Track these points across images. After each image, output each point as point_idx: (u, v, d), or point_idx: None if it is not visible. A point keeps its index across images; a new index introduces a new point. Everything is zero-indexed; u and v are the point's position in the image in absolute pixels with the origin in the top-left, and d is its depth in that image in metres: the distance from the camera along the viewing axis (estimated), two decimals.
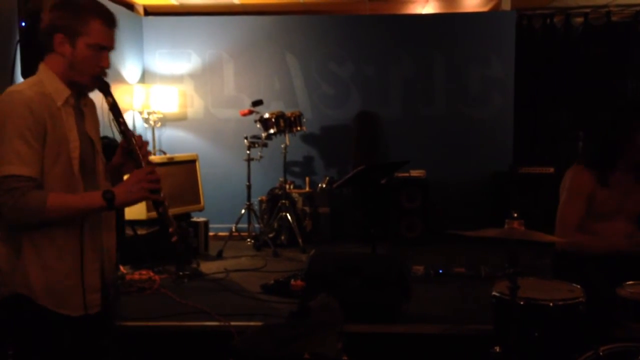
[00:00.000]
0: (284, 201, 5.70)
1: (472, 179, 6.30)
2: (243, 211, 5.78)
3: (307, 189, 6.26)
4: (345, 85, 6.52)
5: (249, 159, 5.80)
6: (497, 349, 2.34)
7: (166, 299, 3.98)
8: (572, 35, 6.54)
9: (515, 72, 6.35)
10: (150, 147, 6.02)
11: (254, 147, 5.81)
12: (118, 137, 2.10)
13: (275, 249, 5.48)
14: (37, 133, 1.86)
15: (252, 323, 3.36)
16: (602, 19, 6.51)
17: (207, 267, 4.91)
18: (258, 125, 5.71)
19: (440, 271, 4.64)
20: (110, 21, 2.00)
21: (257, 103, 5.75)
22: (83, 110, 2.06)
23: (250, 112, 5.77)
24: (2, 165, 1.82)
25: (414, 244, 5.80)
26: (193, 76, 6.52)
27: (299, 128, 5.70)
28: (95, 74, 2.00)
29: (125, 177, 2.14)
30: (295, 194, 6.04)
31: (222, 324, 3.41)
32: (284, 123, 5.62)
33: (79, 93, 2.04)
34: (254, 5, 6.78)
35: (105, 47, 2.00)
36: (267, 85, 6.53)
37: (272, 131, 5.63)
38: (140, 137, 2.10)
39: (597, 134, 2.95)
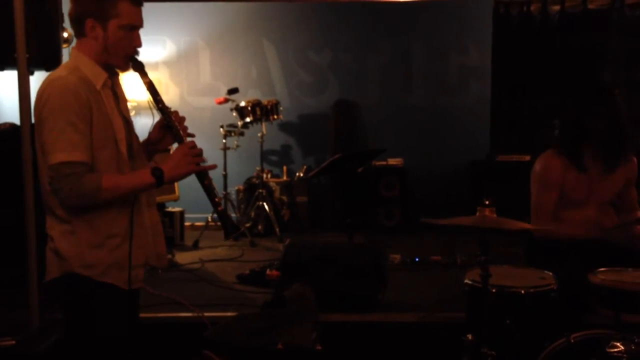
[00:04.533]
0: (261, 190, 5.66)
1: (450, 167, 6.30)
2: None
3: (285, 178, 6.22)
4: (323, 73, 6.47)
5: (225, 148, 5.74)
6: (470, 336, 2.33)
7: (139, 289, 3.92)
8: (548, 23, 6.54)
9: (492, 60, 6.35)
10: None
11: (230, 135, 5.75)
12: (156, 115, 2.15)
13: (252, 239, 5.44)
14: (84, 118, 1.91)
15: (226, 313, 3.33)
16: (578, 6, 6.50)
17: (183, 258, 4.86)
18: (234, 114, 5.65)
19: (417, 259, 4.64)
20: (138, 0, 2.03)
21: (233, 91, 5.68)
22: (116, 91, 2.10)
23: (226, 100, 5.71)
24: (55, 153, 1.87)
25: (392, 233, 5.80)
26: (168, 64, 6.43)
27: (275, 116, 5.64)
28: (130, 54, 2.03)
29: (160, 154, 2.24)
30: (272, 183, 6.00)
31: (195, 314, 3.37)
32: (261, 111, 5.56)
33: (112, 74, 2.07)
34: None
35: (136, 26, 2.03)
36: (244, 73, 6.46)
37: (248, 120, 5.57)
38: (177, 112, 2.15)
39: (563, 120, 2.95)
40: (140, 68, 2.06)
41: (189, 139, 2.10)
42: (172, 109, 2.14)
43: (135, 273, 2.07)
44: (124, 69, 2.08)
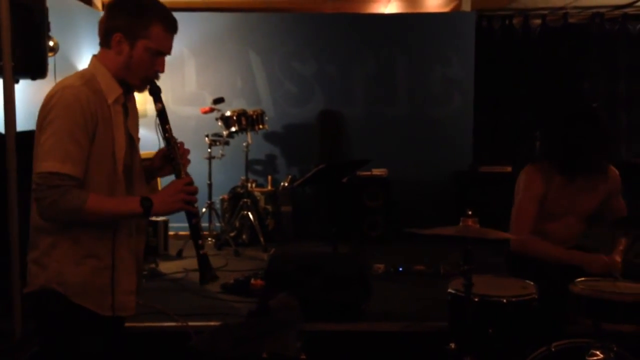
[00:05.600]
0: (245, 200, 5.66)
1: (434, 178, 6.36)
2: (204, 210, 5.72)
3: (270, 187, 6.23)
4: (308, 84, 6.51)
5: (210, 157, 5.74)
6: (452, 345, 2.36)
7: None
8: (530, 36, 6.67)
9: (475, 72, 6.44)
10: None
11: (215, 145, 5.75)
12: (161, 142, 2.08)
13: (237, 248, 5.44)
14: (87, 132, 1.85)
15: (210, 323, 3.33)
16: (559, 20, 6.65)
17: (167, 267, 4.85)
18: (219, 123, 5.66)
19: (401, 269, 4.67)
20: (172, 27, 1.98)
21: (219, 101, 5.69)
22: (128, 106, 2.04)
23: (212, 110, 5.71)
24: (47, 161, 1.80)
25: (376, 243, 5.84)
26: None
27: (261, 126, 5.67)
28: (149, 77, 1.99)
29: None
30: (257, 192, 6.01)
31: (179, 324, 3.37)
32: (246, 121, 5.58)
33: (127, 91, 2.01)
34: (216, 2, 6.70)
35: (163, 52, 1.98)
36: (229, 82, 6.47)
37: (233, 129, 5.58)
38: (182, 144, 2.09)
39: (546, 134, 3.01)
40: (156, 93, 2.02)
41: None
42: (179, 140, 2.09)
43: (125, 299, 1.98)
44: (140, 90, 2.03)
